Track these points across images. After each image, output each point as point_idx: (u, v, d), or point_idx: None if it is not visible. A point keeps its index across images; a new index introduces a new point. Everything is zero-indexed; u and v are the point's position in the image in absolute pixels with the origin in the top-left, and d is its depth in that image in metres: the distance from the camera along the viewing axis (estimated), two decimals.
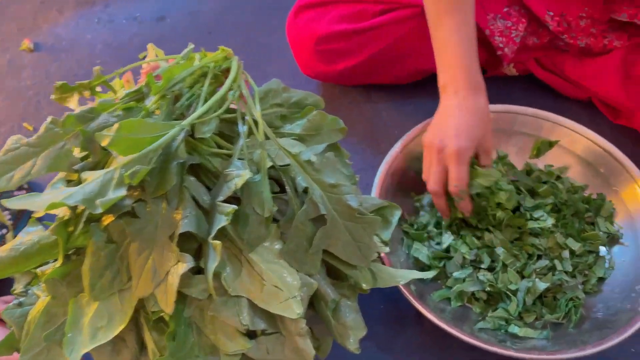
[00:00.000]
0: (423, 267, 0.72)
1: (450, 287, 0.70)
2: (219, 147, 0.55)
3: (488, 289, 0.68)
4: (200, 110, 0.52)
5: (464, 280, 0.69)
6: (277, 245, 0.51)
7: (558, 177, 0.78)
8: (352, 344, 0.53)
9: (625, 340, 0.60)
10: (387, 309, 0.72)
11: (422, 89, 0.93)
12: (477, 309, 0.69)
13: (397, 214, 0.61)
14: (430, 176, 0.68)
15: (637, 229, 0.72)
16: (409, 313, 0.72)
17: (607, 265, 0.71)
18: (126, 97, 0.54)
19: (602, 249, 0.73)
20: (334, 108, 0.92)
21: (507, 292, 0.67)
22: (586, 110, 0.88)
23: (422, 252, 0.72)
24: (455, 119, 0.66)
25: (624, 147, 0.75)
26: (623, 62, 0.81)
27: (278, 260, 0.50)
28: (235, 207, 0.48)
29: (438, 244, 0.74)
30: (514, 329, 0.65)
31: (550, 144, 0.79)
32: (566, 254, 0.69)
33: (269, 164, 0.53)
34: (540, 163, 0.80)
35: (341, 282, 0.56)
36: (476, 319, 0.68)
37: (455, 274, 0.70)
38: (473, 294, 0.69)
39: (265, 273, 0.49)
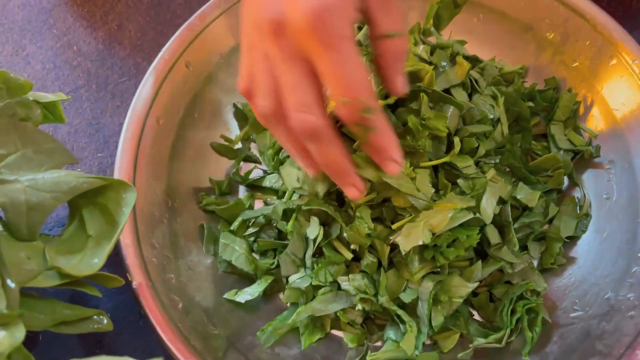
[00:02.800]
0: (245, 278, 0.38)
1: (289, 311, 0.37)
2: None
3: (360, 306, 0.34)
4: None
5: (311, 291, 0.36)
6: None
7: (474, 61, 0.42)
8: None
9: None
10: None
11: None
12: (351, 341, 0.36)
13: (129, 200, 0.29)
14: (259, 87, 0.29)
15: (624, 134, 0.38)
16: None
17: (583, 207, 0.39)
18: None
19: (566, 181, 0.41)
20: (88, 1, 0.50)
21: (396, 310, 0.34)
22: None
23: (235, 249, 0.38)
24: None
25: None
26: None
27: None
28: None
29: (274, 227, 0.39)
30: None
31: (457, 3, 0.41)
32: (507, 213, 0.35)
33: None
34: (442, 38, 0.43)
35: None
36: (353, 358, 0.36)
37: (292, 279, 0.36)
38: (337, 315, 0.36)
39: None
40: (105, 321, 0.29)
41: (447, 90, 0.36)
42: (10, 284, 0.23)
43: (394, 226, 0.33)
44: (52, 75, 0.48)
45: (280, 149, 0.40)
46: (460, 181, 0.35)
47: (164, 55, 0.40)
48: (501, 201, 0.35)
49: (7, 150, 0.30)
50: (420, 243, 0.32)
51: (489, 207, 0.33)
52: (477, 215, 0.33)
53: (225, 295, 0.37)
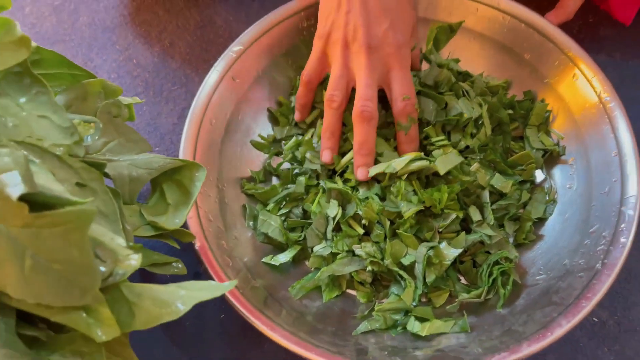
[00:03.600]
0: (278, 247, 0.48)
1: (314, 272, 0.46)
2: None
3: (370, 267, 0.44)
4: None
5: (331, 258, 0.45)
6: None
7: (465, 75, 0.52)
8: None
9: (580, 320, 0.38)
10: (229, 319, 0.46)
11: None
12: (362, 297, 0.45)
13: (200, 177, 0.39)
14: (337, 86, 0.45)
15: (584, 136, 0.47)
16: None
17: (550, 195, 0.48)
18: None
19: (539, 174, 0.50)
20: (146, 21, 0.62)
21: (398, 270, 0.43)
22: None
23: (271, 224, 0.47)
24: None
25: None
26: None
27: None
28: None
29: (297, 206, 0.49)
30: (413, 325, 0.42)
31: (452, 28, 0.53)
32: (486, 196, 0.45)
33: None
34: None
35: (69, 332, 0.30)
36: (365, 311, 0.44)
37: (316, 249, 0.45)
38: (352, 275, 0.45)
39: None
40: (180, 266, 0.38)
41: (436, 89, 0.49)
42: (127, 227, 0.32)
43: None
44: (117, 83, 0.58)
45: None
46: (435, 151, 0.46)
47: (215, 69, 0.50)
48: (481, 187, 0.45)
49: (108, 138, 0.39)
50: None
51: (442, 163, 0.44)
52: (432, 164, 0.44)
53: (263, 259, 0.46)
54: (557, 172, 0.49)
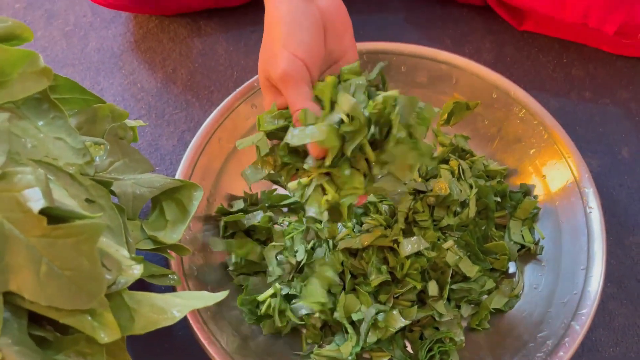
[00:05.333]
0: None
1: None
2: None
3: (318, 315, 0.46)
4: None
5: (280, 296, 0.47)
6: None
7: (469, 154, 0.54)
8: None
9: None
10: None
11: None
12: (309, 338, 0.48)
13: (197, 197, 0.43)
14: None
15: (562, 242, 0.49)
16: None
17: (512, 290, 0.49)
18: None
19: (512, 265, 0.51)
20: (151, 48, 0.66)
21: (346, 323, 0.45)
22: (482, 16, 0.65)
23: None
24: (284, 26, 0.39)
25: (535, 68, 0.58)
26: None
27: None
28: None
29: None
30: None
31: (469, 106, 0.52)
32: (448, 275, 0.47)
33: None
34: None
35: (73, 334, 0.33)
36: (307, 351, 0.47)
37: (271, 291, 0.47)
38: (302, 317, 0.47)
39: None
40: (176, 278, 0.42)
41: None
42: (130, 240, 0.36)
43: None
44: (122, 106, 0.62)
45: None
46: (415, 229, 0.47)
47: (235, 96, 0.52)
48: (447, 265, 0.47)
49: (114, 158, 0.43)
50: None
51: (405, 246, 0.45)
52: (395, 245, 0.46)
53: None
54: (528, 269, 0.50)
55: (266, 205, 0.53)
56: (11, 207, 0.28)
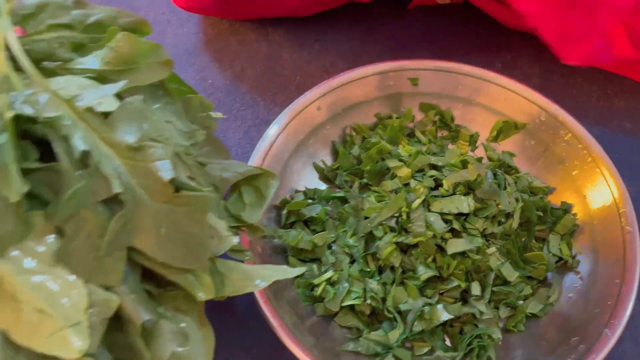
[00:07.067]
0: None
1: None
2: None
3: (370, 301, 0.50)
4: None
5: (334, 284, 0.51)
6: (45, 246, 0.33)
7: (514, 170, 0.59)
8: None
9: None
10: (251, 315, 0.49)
11: (332, 22, 0.73)
12: (360, 323, 0.51)
13: (274, 185, 0.47)
14: None
15: (598, 256, 0.53)
16: None
17: (548, 298, 0.52)
18: None
19: (549, 275, 0.54)
20: (221, 48, 0.71)
21: (394, 312, 0.49)
22: (530, 43, 0.68)
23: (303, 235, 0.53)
24: None
25: (579, 96, 0.63)
26: None
27: (48, 268, 0.32)
28: None
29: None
30: None
31: (517, 126, 0.58)
32: (491, 277, 0.50)
33: (28, 114, 0.34)
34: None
35: (172, 291, 0.38)
36: (354, 335, 0.51)
37: (327, 275, 0.51)
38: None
39: (20, 291, 0.32)
40: (249, 254, 0.46)
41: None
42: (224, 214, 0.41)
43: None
44: None
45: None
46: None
47: (305, 96, 0.57)
48: (490, 269, 0.50)
49: (202, 145, 0.48)
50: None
51: (451, 246, 0.50)
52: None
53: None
54: (565, 279, 0.54)
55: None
56: (145, 175, 0.34)
